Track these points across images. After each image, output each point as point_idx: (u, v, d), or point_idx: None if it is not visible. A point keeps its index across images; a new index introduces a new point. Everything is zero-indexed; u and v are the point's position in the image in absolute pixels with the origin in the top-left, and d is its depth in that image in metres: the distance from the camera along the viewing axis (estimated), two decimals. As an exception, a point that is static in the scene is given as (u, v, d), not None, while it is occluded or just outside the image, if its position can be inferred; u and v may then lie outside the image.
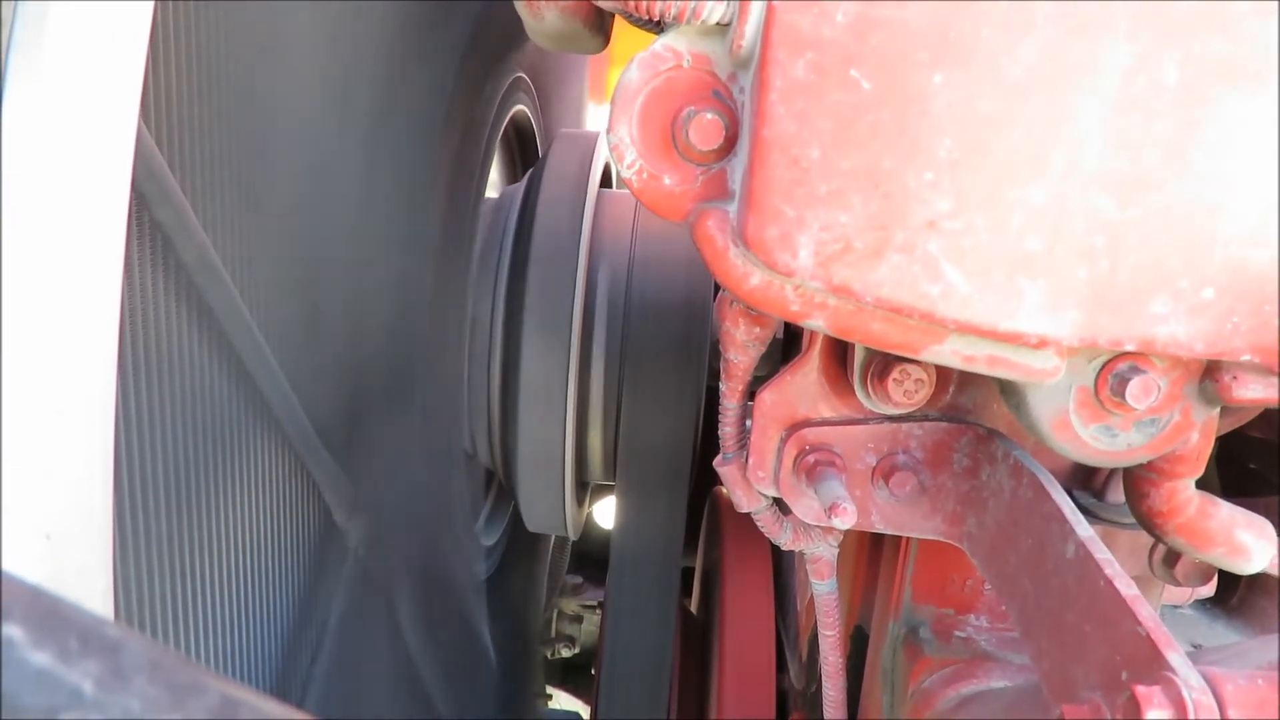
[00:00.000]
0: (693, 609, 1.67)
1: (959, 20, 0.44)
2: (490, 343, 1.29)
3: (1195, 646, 0.96)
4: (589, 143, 1.39)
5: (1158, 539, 0.65)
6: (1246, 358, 0.48)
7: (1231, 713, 0.42)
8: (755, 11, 0.46)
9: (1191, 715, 0.42)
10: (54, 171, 0.44)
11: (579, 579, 2.18)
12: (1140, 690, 0.43)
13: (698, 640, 1.53)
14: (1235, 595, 1.00)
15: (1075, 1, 0.44)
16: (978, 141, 0.45)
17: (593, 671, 2.03)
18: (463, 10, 1.15)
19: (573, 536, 1.48)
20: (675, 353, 1.27)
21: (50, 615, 0.17)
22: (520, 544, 1.75)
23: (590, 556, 2.17)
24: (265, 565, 0.79)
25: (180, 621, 0.63)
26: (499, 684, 1.59)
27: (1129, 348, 0.49)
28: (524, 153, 1.72)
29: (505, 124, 1.47)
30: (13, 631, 0.16)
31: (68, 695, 0.16)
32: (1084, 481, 0.77)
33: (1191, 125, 0.45)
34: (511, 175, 1.74)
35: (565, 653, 2.21)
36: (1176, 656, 0.44)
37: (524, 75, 1.48)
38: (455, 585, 1.39)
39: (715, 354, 1.05)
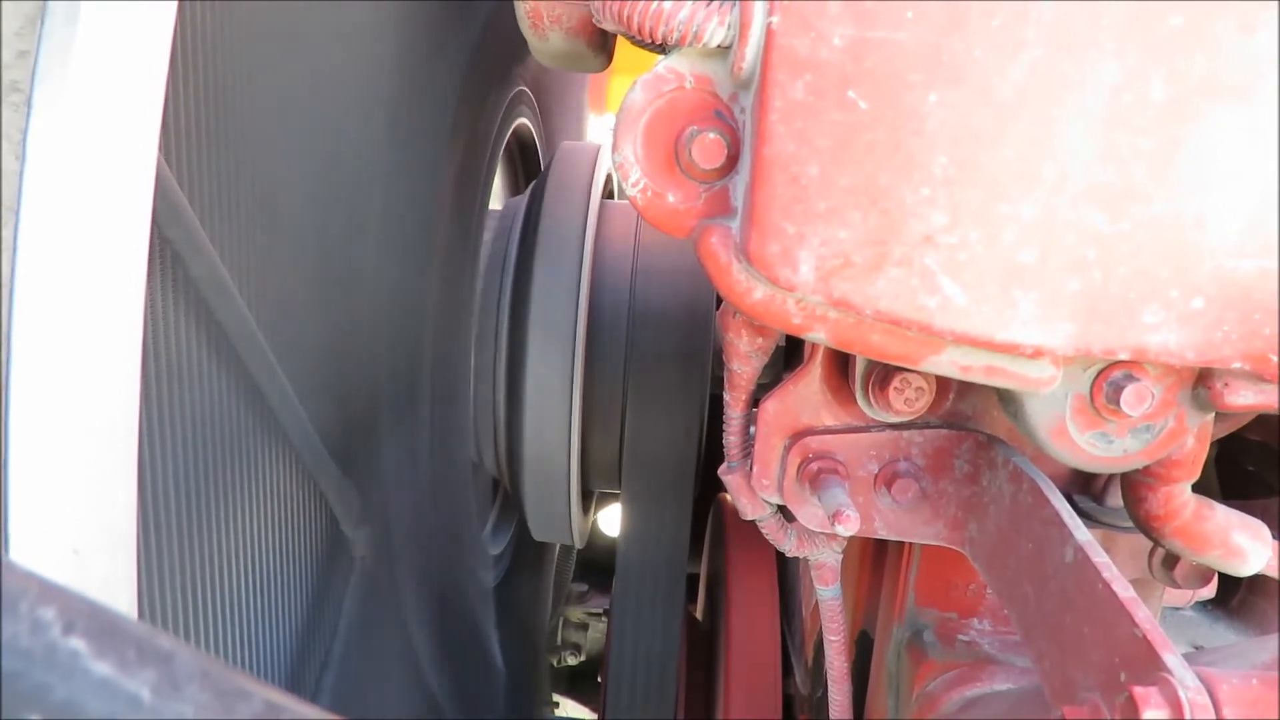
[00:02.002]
0: (698, 615, 1.68)
1: (951, 42, 0.45)
2: (495, 353, 1.30)
3: (1196, 647, 0.97)
4: (591, 154, 1.41)
5: (1155, 542, 0.66)
6: (1237, 365, 0.49)
7: (1227, 712, 0.43)
8: (755, 35, 0.47)
9: (1188, 715, 0.43)
10: (78, 197, 0.45)
11: (585, 586, 2.18)
12: (1138, 691, 0.44)
13: (703, 646, 1.54)
14: (1236, 597, 1.01)
15: (1063, 22, 0.45)
16: (971, 158, 0.47)
17: (599, 679, 2.04)
18: (466, 26, 1.16)
19: (578, 544, 1.49)
20: (678, 361, 1.29)
21: (110, 628, 0.18)
22: (526, 552, 1.76)
23: (595, 564, 2.18)
24: (274, 576, 0.80)
25: (191, 632, 0.64)
26: (507, 692, 1.60)
27: (1122, 357, 0.50)
28: (526, 165, 1.73)
29: (508, 137, 1.48)
30: (78, 644, 0.17)
31: (128, 702, 0.17)
32: (1084, 486, 0.78)
33: (1178, 140, 0.47)
34: (514, 187, 1.76)
35: (571, 660, 2.22)
36: (1173, 657, 0.46)
37: (526, 89, 1.50)
38: (462, 594, 1.40)
39: (718, 362, 1.07)
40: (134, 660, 0.18)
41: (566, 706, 2.25)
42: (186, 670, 0.18)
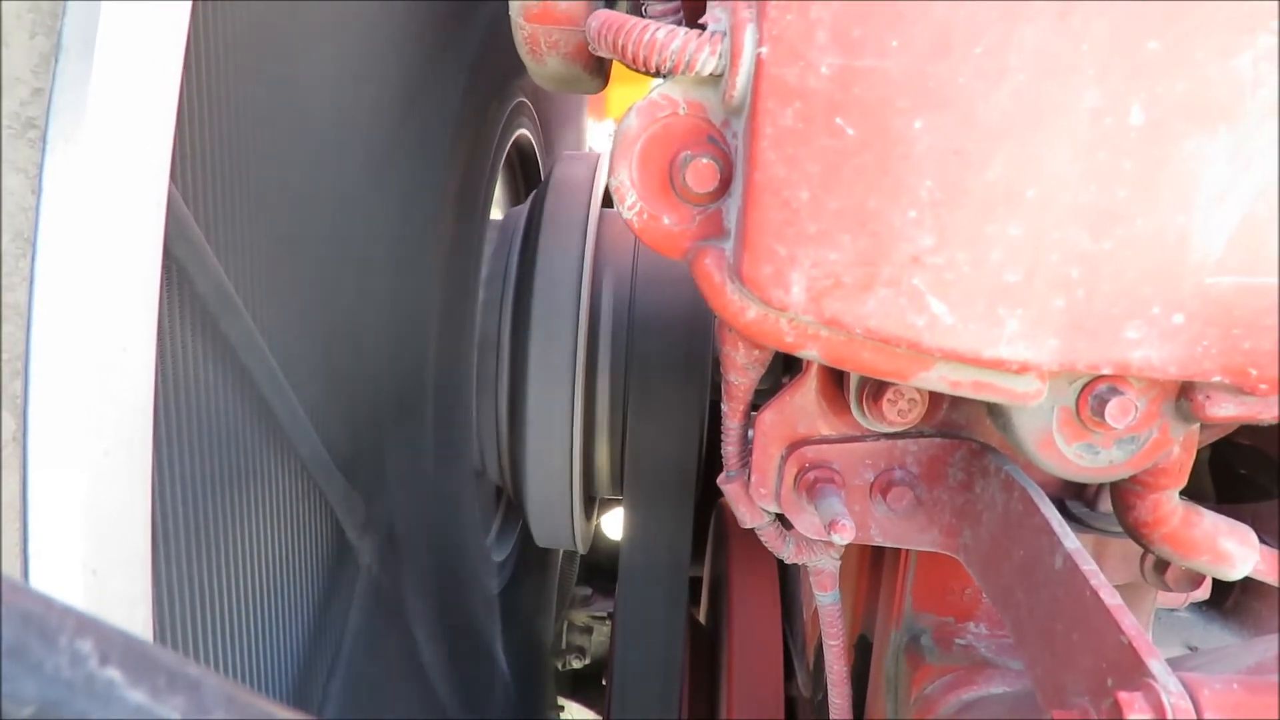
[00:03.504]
0: (700, 619, 1.69)
1: (936, 69, 0.47)
2: (498, 361, 1.32)
3: (1191, 648, 0.98)
4: (590, 164, 1.42)
5: (1145, 548, 0.68)
6: (1218, 378, 0.51)
7: (1207, 714, 0.45)
8: (745, 64, 0.49)
9: (1170, 718, 0.44)
10: (92, 228, 0.47)
11: (588, 590, 2.20)
12: (1123, 696, 0.46)
13: (706, 649, 1.55)
14: (1230, 598, 1.02)
15: (1045, 49, 0.47)
16: (957, 181, 0.48)
17: (604, 682, 2.05)
18: (467, 39, 1.18)
19: (581, 550, 1.50)
20: (678, 368, 1.30)
21: (142, 658, 0.20)
22: (530, 558, 1.78)
23: (599, 568, 2.19)
24: (281, 584, 0.81)
25: (200, 641, 0.65)
26: (512, 696, 1.61)
27: (1106, 371, 0.51)
28: (526, 175, 1.75)
29: (509, 147, 1.50)
30: (113, 674, 0.19)
31: (160, 728, 0.19)
32: (1077, 492, 0.79)
33: (1158, 161, 0.48)
34: (515, 197, 1.77)
35: (576, 664, 2.23)
36: (1157, 663, 0.47)
37: (526, 100, 1.51)
38: (467, 600, 1.42)
39: (718, 368, 1.08)
40: (165, 688, 0.19)
41: (571, 709, 2.26)
42: (214, 696, 0.20)
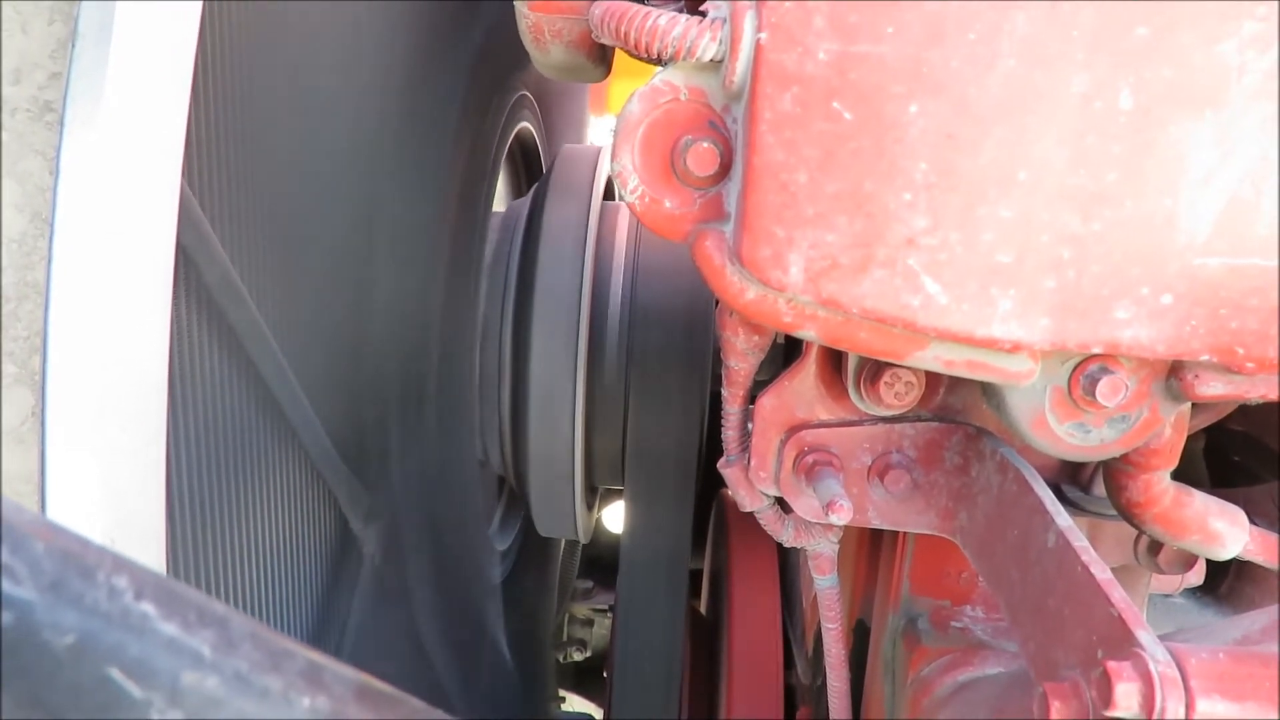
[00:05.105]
0: (701, 609, 1.71)
1: (930, 55, 0.48)
2: (500, 353, 1.33)
3: (1184, 633, 0.99)
4: (592, 157, 1.43)
5: (1137, 529, 0.69)
6: (1206, 358, 0.52)
7: (1194, 683, 0.46)
8: (745, 50, 0.50)
9: (1158, 687, 0.46)
10: (108, 209, 0.48)
11: (589, 583, 2.21)
12: (1111, 665, 0.47)
13: (707, 639, 1.57)
14: (1224, 583, 1.04)
15: (1036, 35, 0.48)
16: (951, 164, 0.50)
17: (605, 674, 2.06)
18: (469, 33, 1.19)
19: (583, 540, 1.51)
20: (680, 359, 1.31)
21: (173, 594, 0.21)
22: (532, 548, 1.79)
23: (600, 561, 2.21)
24: (284, 573, 0.82)
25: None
26: (514, 687, 1.62)
27: (1097, 350, 0.53)
28: (528, 168, 1.76)
29: (510, 140, 1.51)
30: (148, 607, 0.20)
31: (191, 657, 0.20)
32: (1071, 476, 0.80)
33: (1146, 145, 0.49)
34: (516, 190, 1.79)
35: (577, 656, 2.24)
36: (1145, 634, 0.48)
37: (528, 93, 1.53)
38: (470, 590, 1.43)
39: (718, 359, 1.09)
40: (195, 622, 0.21)
41: (573, 702, 2.28)
42: (240, 631, 0.21)
